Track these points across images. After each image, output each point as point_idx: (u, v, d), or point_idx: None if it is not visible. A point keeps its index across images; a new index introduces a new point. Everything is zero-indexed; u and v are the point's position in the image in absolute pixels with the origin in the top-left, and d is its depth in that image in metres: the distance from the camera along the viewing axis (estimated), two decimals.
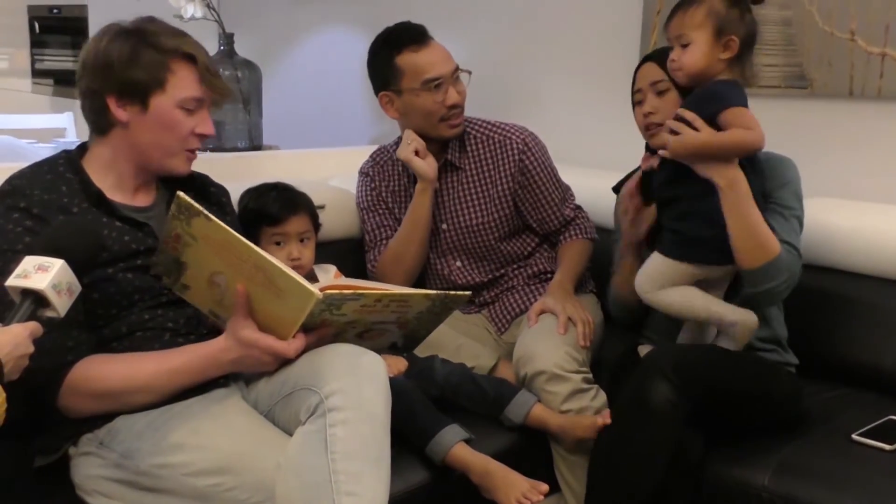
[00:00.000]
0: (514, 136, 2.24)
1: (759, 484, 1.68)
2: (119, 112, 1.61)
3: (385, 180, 2.32)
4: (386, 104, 2.23)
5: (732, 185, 1.72)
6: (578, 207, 2.33)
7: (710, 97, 1.74)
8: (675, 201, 1.82)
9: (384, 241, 2.26)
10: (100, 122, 1.65)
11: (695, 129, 1.72)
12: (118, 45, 1.61)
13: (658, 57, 1.92)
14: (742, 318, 1.80)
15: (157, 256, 1.59)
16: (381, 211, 2.31)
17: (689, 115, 1.73)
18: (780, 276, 1.77)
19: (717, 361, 1.79)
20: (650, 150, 1.93)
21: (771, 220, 1.81)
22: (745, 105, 1.74)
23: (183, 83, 1.63)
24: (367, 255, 2.29)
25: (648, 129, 1.94)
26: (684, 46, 1.76)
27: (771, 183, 1.84)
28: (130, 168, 1.67)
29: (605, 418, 1.78)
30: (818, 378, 2.06)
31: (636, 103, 1.97)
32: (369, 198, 2.32)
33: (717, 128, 1.72)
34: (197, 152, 1.73)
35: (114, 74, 1.60)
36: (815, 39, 2.31)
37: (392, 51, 2.18)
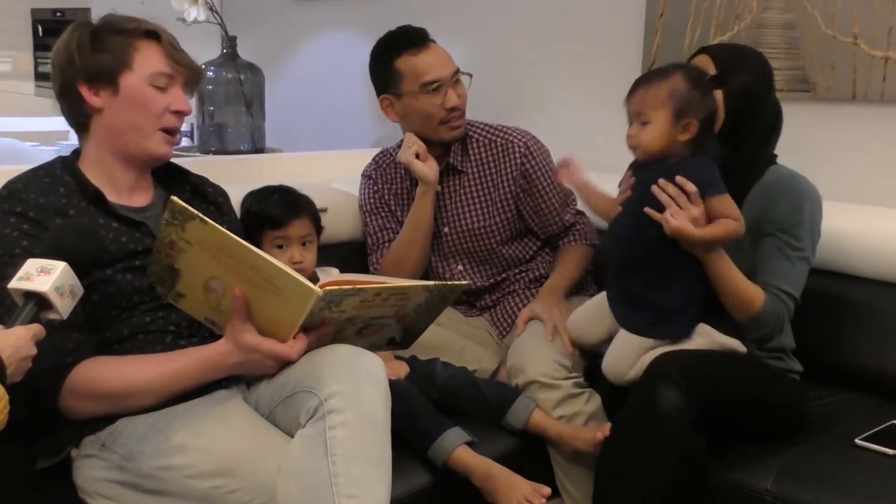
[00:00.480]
0: (516, 140, 2.24)
1: (761, 488, 1.68)
2: (93, 98, 1.63)
3: (388, 183, 2.32)
4: (387, 107, 2.23)
5: (714, 257, 1.76)
6: (580, 212, 2.33)
7: (703, 179, 1.73)
8: (643, 251, 1.81)
9: (386, 244, 2.26)
10: (78, 117, 1.66)
11: (686, 193, 1.72)
12: (77, 33, 1.64)
13: (714, 51, 1.88)
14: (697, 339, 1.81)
15: (150, 265, 1.58)
16: (383, 214, 2.31)
17: (691, 188, 1.71)
18: (766, 325, 1.81)
19: (724, 367, 1.79)
20: (633, 168, 1.90)
21: (774, 261, 1.82)
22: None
23: (149, 60, 1.64)
24: (370, 257, 2.29)
25: None
26: (644, 124, 1.76)
27: (787, 215, 1.83)
28: (116, 161, 1.67)
29: (605, 431, 1.78)
30: (821, 382, 2.06)
31: None
32: (372, 200, 2.32)
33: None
34: (180, 137, 1.74)
35: (79, 61, 1.62)
36: (817, 43, 2.31)
37: (392, 54, 2.18)
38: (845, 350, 2.10)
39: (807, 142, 2.28)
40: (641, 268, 1.83)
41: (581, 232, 2.31)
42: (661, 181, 1.74)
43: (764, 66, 1.89)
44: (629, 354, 1.82)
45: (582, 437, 1.85)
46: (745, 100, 1.84)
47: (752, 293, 1.79)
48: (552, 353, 1.97)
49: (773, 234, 1.84)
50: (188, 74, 1.69)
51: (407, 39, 2.18)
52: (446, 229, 2.26)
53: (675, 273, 1.80)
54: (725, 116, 1.83)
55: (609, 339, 1.88)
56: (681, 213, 1.71)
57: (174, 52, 1.67)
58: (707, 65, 1.86)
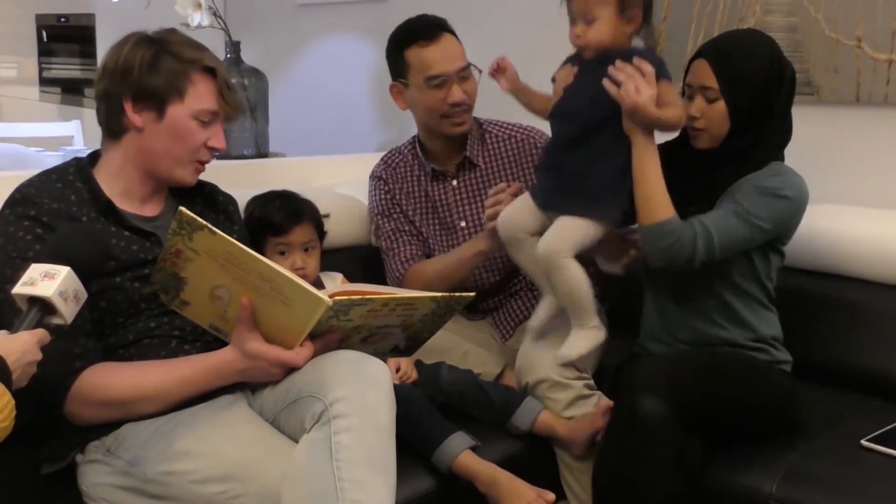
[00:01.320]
0: (536, 135, 2.27)
1: (765, 491, 1.67)
2: (134, 117, 1.63)
3: (399, 182, 2.31)
4: (396, 94, 2.26)
5: (647, 147, 1.76)
6: None
7: (656, 64, 1.75)
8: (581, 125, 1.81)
9: (403, 248, 2.24)
10: (113, 127, 1.66)
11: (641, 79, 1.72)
12: (141, 50, 1.63)
13: (710, 55, 1.84)
14: (595, 332, 1.87)
15: (154, 274, 1.58)
16: (395, 215, 2.29)
17: (648, 69, 1.73)
18: (665, 240, 1.76)
19: (706, 368, 1.79)
20: (571, 62, 1.90)
21: (721, 205, 1.80)
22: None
23: (202, 95, 1.64)
24: (387, 262, 2.26)
25: (691, 130, 1.88)
26: (589, 22, 1.78)
27: (755, 190, 1.81)
28: (139, 174, 1.67)
29: (602, 418, 1.79)
30: (825, 384, 2.05)
31: (685, 96, 1.89)
32: (384, 202, 2.31)
33: None
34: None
35: (134, 79, 1.61)
36: (821, 46, 2.31)
37: (402, 43, 2.21)
38: (849, 351, 2.09)
39: (810, 145, 2.28)
40: (586, 141, 1.82)
41: None
42: (618, 62, 1.74)
43: (770, 55, 1.84)
44: (564, 233, 1.83)
45: (584, 428, 1.85)
46: (758, 97, 1.82)
47: (665, 202, 1.77)
48: None
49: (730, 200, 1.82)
50: (231, 112, 1.71)
51: (420, 30, 2.20)
52: (462, 223, 2.26)
53: (613, 151, 1.80)
54: (739, 117, 1.81)
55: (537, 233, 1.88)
56: (644, 89, 1.71)
57: (226, 91, 1.68)
58: (706, 74, 1.82)
